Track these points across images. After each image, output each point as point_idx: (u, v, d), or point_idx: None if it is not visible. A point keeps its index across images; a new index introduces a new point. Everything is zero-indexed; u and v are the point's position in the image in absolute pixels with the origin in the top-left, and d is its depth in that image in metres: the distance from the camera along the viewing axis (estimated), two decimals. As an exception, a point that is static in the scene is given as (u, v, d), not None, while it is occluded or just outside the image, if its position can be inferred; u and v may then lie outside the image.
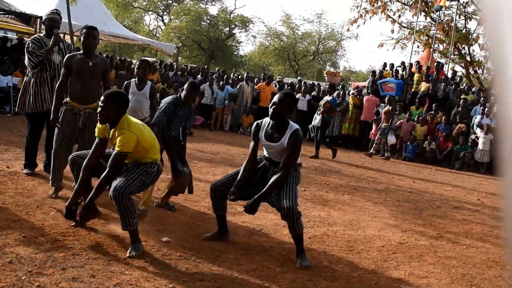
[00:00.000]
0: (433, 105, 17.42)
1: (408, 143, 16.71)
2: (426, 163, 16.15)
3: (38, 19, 16.28)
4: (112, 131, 4.85)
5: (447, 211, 8.64)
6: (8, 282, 3.70)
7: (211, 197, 5.30)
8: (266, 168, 5.23)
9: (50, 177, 6.37)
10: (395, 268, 5.25)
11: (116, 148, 4.74)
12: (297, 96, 18.35)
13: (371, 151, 16.28)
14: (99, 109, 4.80)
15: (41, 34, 7.41)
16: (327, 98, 14.59)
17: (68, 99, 6.28)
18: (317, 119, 14.37)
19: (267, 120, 5.21)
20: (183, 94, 6.20)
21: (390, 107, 16.50)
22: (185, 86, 6.26)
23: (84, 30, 6.31)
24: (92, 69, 6.26)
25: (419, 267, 5.39)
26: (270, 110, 5.05)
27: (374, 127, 17.24)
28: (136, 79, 6.99)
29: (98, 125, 5.00)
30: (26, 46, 7.21)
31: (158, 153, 5.10)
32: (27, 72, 7.39)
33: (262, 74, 20.41)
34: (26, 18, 16.49)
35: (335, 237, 6.13)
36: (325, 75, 16.65)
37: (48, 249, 4.46)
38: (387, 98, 17.39)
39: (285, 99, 5.04)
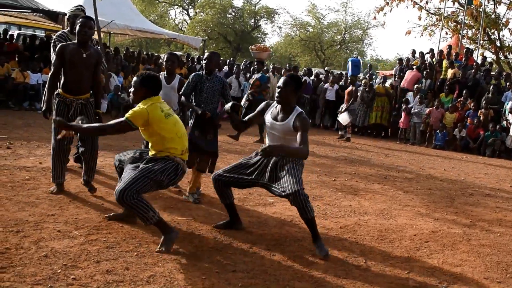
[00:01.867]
0: (463, 92, 17.19)
1: (438, 131, 16.52)
2: (457, 151, 15.96)
3: (65, 16, 16.41)
4: None
5: (480, 199, 8.53)
6: (44, 275, 3.76)
7: (214, 187, 5.32)
8: (265, 162, 5.16)
9: (51, 173, 6.19)
10: (428, 257, 5.21)
11: (126, 115, 4.75)
12: (325, 86, 18.31)
13: (347, 135, 15.98)
14: (131, 89, 4.94)
15: (65, 31, 7.39)
16: (256, 76, 13.44)
17: (60, 90, 6.09)
18: (243, 100, 13.36)
19: (275, 103, 5.19)
20: (203, 63, 6.80)
21: (353, 88, 16.43)
22: (204, 57, 6.86)
23: (79, 19, 6.03)
24: (86, 60, 6.02)
25: (453, 256, 5.33)
26: (276, 94, 5.07)
27: (403, 115, 17.08)
28: (165, 73, 7.03)
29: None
30: (52, 43, 7.26)
31: (182, 152, 4.95)
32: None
33: (287, 65, 20.30)
34: (53, 16, 16.63)
35: (367, 227, 6.09)
36: (250, 50, 15.66)
37: (82, 243, 4.51)
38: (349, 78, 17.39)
39: (290, 82, 5.06)
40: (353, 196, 7.72)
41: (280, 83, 5.07)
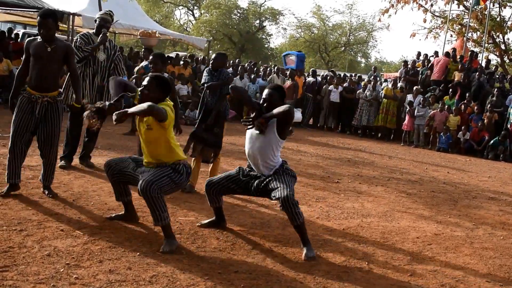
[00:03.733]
0: (467, 94, 17.18)
1: (442, 133, 16.51)
2: (461, 154, 15.94)
3: (71, 16, 16.46)
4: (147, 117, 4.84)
5: (483, 202, 8.52)
6: (47, 274, 3.77)
7: (206, 191, 5.34)
8: (250, 179, 5.18)
9: (6, 173, 5.80)
10: (431, 260, 5.20)
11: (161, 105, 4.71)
12: (329, 88, 18.30)
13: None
14: (142, 87, 4.87)
15: (90, 31, 7.72)
16: (142, 64, 12.52)
17: (27, 86, 5.81)
18: None
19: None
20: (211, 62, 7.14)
21: (293, 82, 15.94)
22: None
23: (37, 18, 5.70)
24: (51, 54, 5.66)
25: (455, 258, 5.33)
26: (263, 106, 5.11)
27: (407, 117, 17.08)
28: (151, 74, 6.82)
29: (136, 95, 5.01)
30: (74, 40, 7.56)
31: (183, 155, 5.01)
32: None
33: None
34: (58, 15, 16.64)
35: (370, 229, 6.09)
36: (139, 36, 14.97)
37: (85, 242, 4.53)
38: (288, 72, 16.94)
39: (275, 93, 5.12)
40: (356, 198, 7.72)
41: (265, 95, 5.15)
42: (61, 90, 5.89)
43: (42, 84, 5.70)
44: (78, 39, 7.45)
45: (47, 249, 4.27)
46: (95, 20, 7.72)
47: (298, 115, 15.25)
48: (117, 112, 4.57)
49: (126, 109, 4.64)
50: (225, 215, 5.52)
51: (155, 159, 4.88)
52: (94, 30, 7.63)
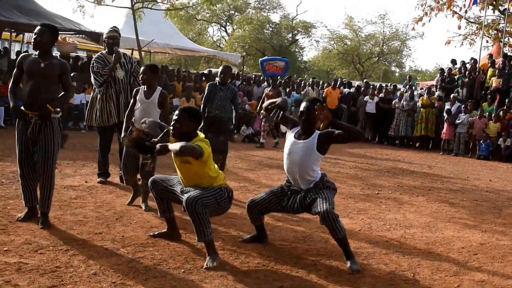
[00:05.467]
0: (506, 100, 16.90)
1: (481, 141, 16.25)
2: (502, 161, 15.65)
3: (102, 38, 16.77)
4: None
5: (528, 209, 8.35)
6: (94, 293, 3.81)
7: (247, 212, 5.35)
8: (291, 195, 5.18)
9: (22, 197, 5.66)
10: (478, 270, 5.11)
11: (196, 143, 4.72)
12: (365, 99, 18.21)
13: (261, 140, 14.80)
14: (173, 122, 4.85)
15: (104, 52, 7.73)
16: None
17: (22, 106, 5.45)
18: None
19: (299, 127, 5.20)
20: (220, 77, 7.95)
21: (276, 90, 14.89)
22: (220, 70, 8.06)
23: (36, 28, 5.48)
24: (44, 70, 5.33)
25: (503, 268, 5.22)
26: (300, 121, 5.13)
27: (446, 125, 16.86)
28: (145, 87, 6.59)
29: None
30: (91, 65, 7.56)
31: (224, 179, 5.03)
32: (94, 88, 7.78)
33: (333, 81, 20.14)
34: (95, 37, 17.00)
35: (413, 240, 6.02)
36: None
37: (130, 260, 4.57)
38: (271, 80, 16.22)
39: (313, 106, 5.04)
40: (397, 209, 7.64)
41: (303, 108, 5.12)
42: (58, 108, 5.43)
43: (35, 102, 5.34)
44: (95, 64, 7.48)
45: (93, 268, 4.32)
46: (104, 40, 7.73)
47: (271, 121, 14.60)
48: (161, 144, 4.72)
49: (167, 144, 4.73)
50: (267, 230, 5.51)
51: (194, 187, 4.90)
52: (106, 50, 7.66)
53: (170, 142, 4.87)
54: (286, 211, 5.27)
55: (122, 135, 6.62)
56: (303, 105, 5.16)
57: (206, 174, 4.86)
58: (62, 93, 5.54)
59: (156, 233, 5.35)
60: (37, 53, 5.44)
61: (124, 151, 6.56)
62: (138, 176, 6.63)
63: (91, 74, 7.58)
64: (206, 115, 7.77)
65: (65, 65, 5.55)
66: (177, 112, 4.89)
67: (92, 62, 7.61)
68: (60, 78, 5.46)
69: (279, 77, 17.81)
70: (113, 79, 7.50)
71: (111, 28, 7.75)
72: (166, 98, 6.67)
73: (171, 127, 4.88)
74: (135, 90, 6.72)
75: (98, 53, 7.95)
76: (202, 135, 4.94)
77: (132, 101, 6.67)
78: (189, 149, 4.60)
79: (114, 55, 7.47)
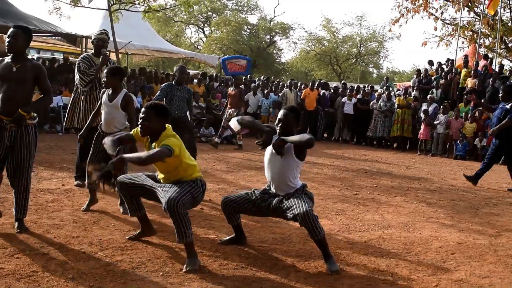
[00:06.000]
0: (482, 100, 17.07)
1: (458, 141, 16.40)
2: (478, 161, 15.79)
3: (84, 39, 16.65)
4: (154, 145, 4.84)
5: (504, 208, 8.44)
6: (71, 297, 3.77)
7: (223, 210, 5.35)
8: (268, 197, 5.16)
9: None
10: (455, 269, 5.15)
11: (163, 143, 4.68)
12: (342, 100, 18.28)
13: (215, 139, 14.56)
14: (140, 120, 4.80)
15: (89, 53, 7.74)
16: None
17: None
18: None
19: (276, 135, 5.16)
20: (176, 77, 8.24)
21: (238, 89, 14.78)
22: (175, 70, 8.26)
23: (9, 31, 5.28)
24: (16, 75, 5.09)
25: (480, 267, 5.27)
26: (278, 128, 5.08)
27: (423, 126, 16.98)
28: (109, 90, 6.46)
29: (135, 131, 5.02)
30: (77, 65, 7.58)
31: (199, 171, 5.01)
32: (76, 89, 7.75)
33: (311, 82, 20.10)
34: (72, 39, 16.89)
35: (391, 240, 6.05)
36: None
37: (108, 264, 4.53)
38: (233, 79, 15.99)
39: (291, 114, 5.07)
40: (376, 209, 7.67)
41: (281, 116, 5.08)
42: (34, 114, 5.28)
43: (9, 108, 5.11)
44: (81, 64, 7.51)
45: (70, 272, 4.28)
46: (92, 42, 7.74)
47: (235, 122, 14.43)
48: (113, 162, 4.61)
49: (122, 156, 4.65)
50: (245, 232, 5.50)
51: (173, 181, 4.88)
52: (92, 51, 7.71)
53: (137, 142, 5.02)
54: (260, 212, 5.24)
55: (81, 133, 6.70)
56: (280, 113, 5.12)
57: (185, 164, 4.84)
58: (41, 99, 5.37)
59: (133, 236, 5.32)
60: (10, 56, 5.21)
61: (90, 152, 6.48)
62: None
63: (76, 74, 7.60)
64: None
65: (38, 67, 5.31)
66: (143, 109, 4.81)
67: (78, 62, 7.66)
68: (37, 82, 5.26)
69: (243, 76, 17.57)
70: (98, 80, 7.51)
71: (101, 30, 7.83)
72: (129, 101, 6.46)
73: (139, 126, 4.83)
74: (102, 92, 6.64)
75: (84, 54, 8.03)
76: (169, 128, 4.90)
77: (99, 103, 6.65)
78: (156, 157, 4.60)
79: (101, 56, 7.52)
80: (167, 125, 4.91)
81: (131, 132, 5.13)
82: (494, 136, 10.46)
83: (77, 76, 7.61)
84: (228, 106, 14.61)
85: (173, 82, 8.35)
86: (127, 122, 6.46)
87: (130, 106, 6.45)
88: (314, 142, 4.92)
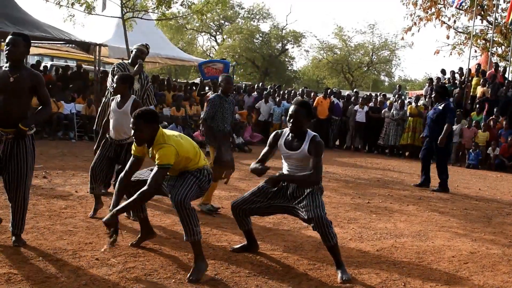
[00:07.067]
0: (495, 109, 17.01)
1: (471, 150, 16.33)
2: (491, 170, 15.74)
3: (97, 47, 16.74)
4: (151, 150, 4.81)
5: (518, 218, 8.39)
6: (84, 304, 3.79)
7: (233, 215, 5.33)
8: (283, 189, 5.13)
9: None
10: (468, 279, 5.12)
11: (156, 162, 4.65)
12: (354, 108, 18.25)
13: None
14: (132, 131, 4.75)
15: (126, 61, 8.01)
16: None
17: None
18: None
19: (287, 130, 5.17)
20: (222, 88, 7.34)
21: (216, 94, 14.53)
22: (221, 80, 7.39)
23: (8, 38, 5.08)
24: (13, 85, 4.89)
25: (493, 277, 5.24)
26: (289, 124, 5.06)
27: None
28: (119, 96, 6.51)
29: (134, 147, 4.99)
30: (111, 69, 7.82)
31: (204, 159, 4.99)
32: (106, 93, 7.96)
33: (324, 90, 20.13)
34: (85, 46, 16.99)
35: (404, 249, 6.02)
36: None
37: (121, 270, 4.54)
38: (211, 83, 15.82)
39: (301, 109, 5.03)
40: (388, 218, 7.65)
41: (291, 111, 5.04)
42: (32, 126, 5.09)
43: (6, 119, 4.93)
44: (116, 68, 7.71)
45: (83, 278, 4.29)
46: (132, 51, 8.06)
47: None
48: (107, 221, 4.62)
49: (115, 211, 4.65)
50: (257, 239, 5.50)
51: (178, 172, 4.88)
52: (129, 61, 7.91)
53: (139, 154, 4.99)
54: (273, 205, 5.16)
55: (95, 146, 6.66)
56: (291, 108, 5.08)
57: (186, 160, 4.81)
58: (39, 108, 5.19)
59: (134, 242, 5.32)
60: (7, 65, 5.01)
61: (96, 156, 6.49)
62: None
63: (110, 77, 7.78)
64: (217, 129, 7.26)
65: (36, 76, 5.10)
66: (132, 120, 4.73)
67: (113, 66, 7.89)
68: (35, 91, 5.08)
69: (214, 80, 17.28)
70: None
71: (142, 43, 8.13)
72: (139, 107, 6.31)
73: (133, 137, 4.79)
74: (110, 99, 6.70)
75: (121, 61, 8.28)
76: (166, 132, 4.82)
77: (108, 110, 6.69)
78: (157, 184, 4.63)
79: (136, 66, 7.73)
80: (161, 130, 4.81)
81: (132, 152, 5.05)
82: (443, 144, 10.52)
83: (109, 80, 7.79)
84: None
85: (220, 93, 7.41)
86: None
87: None
88: (317, 181, 4.91)
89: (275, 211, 5.34)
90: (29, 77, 5.01)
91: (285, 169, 5.20)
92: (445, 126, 10.37)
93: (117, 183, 5.11)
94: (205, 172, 4.91)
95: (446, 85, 19.30)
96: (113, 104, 6.48)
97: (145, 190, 4.60)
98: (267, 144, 5.34)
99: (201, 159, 4.95)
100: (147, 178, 4.92)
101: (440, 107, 10.53)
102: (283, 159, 5.22)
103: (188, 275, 4.49)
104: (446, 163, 11.11)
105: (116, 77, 6.59)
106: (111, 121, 6.48)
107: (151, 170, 5.02)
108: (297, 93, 20.45)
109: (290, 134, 5.13)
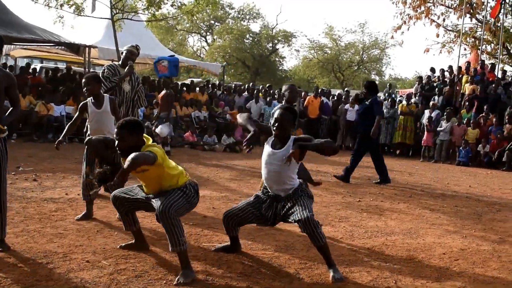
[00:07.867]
0: (484, 107, 17.09)
1: (461, 147, 16.40)
2: (481, 167, 15.81)
3: (87, 48, 16.69)
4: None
5: (508, 215, 8.42)
6: (75, 306, 3.78)
7: (223, 223, 5.28)
8: (270, 205, 5.12)
9: None
10: (459, 275, 5.14)
11: (147, 150, 4.60)
12: (345, 107, 18.30)
13: (166, 149, 13.68)
14: (116, 142, 4.72)
15: (116, 63, 7.97)
16: None
17: None
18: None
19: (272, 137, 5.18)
20: (286, 97, 7.22)
21: (168, 91, 14.64)
22: (285, 89, 7.30)
23: None
24: None
25: (484, 273, 5.26)
26: (273, 129, 5.07)
27: (426, 132, 17.00)
28: (91, 98, 6.49)
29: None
30: (102, 71, 7.78)
31: (186, 176, 4.93)
32: None
33: (315, 89, 20.23)
34: (75, 48, 16.93)
35: (395, 247, 6.04)
36: None
37: (111, 272, 4.53)
38: (162, 80, 15.72)
39: (287, 114, 5.05)
40: (379, 216, 7.67)
41: (277, 115, 5.05)
42: (4, 127, 4.90)
43: None
44: (106, 70, 7.68)
45: (74, 281, 4.28)
46: (122, 53, 8.01)
47: (165, 130, 13.95)
48: (118, 177, 4.44)
49: (123, 169, 4.43)
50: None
51: (160, 192, 4.79)
52: (119, 62, 7.85)
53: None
54: (263, 222, 5.21)
55: (58, 140, 6.69)
56: (276, 112, 5.10)
57: (167, 174, 4.74)
58: (10, 109, 5.08)
59: (123, 244, 5.30)
60: None
61: (85, 163, 6.47)
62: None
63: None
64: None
65: (9, 77, 4.96)
66: (116, 130, 4.73)
67: (103, 68, 7.87)
68: (6, 92, 4.93)
69: (166, 77, 16.91)
70: (119, 89, 7.62)
71: (133, 44, 8.04)
72: (115, 103, 6.68)
73: (117, 148, 4.76)
74: (81, 103, 6.62)
75: (111, 63, 8.30)
76: (150, 140, 4.82)
77: (77, 114, 6.68)
78: (140, 160, 4.43)
79: (127, 67, 7.66)
80: (147, 137, 4.82)
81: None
82: (375, 136, 10.94)
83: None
84: (158, 109, 14.68)
85: (283, 102, 7.33)
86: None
87: (117, 108, 6.67)
88: (337, 149, 4.95)
89: (265, 223, 5.30)
90: (2, 77, 4.86)
91: (264, 177, 5.20)
92: (376, 118, 10.69)
93: (112, 201, 5.09)
94: (189, 187, 4.83)
95: (436, 83, 19.40)
96: (90, 108, 6.46)
97: (131, 162, 4.35)
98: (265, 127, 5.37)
99: (182, 177, 4.86)
100: (137, 196, 4.93)
101: (367, 103, 10.81)
102: (263, 166, 5.18)
103: (177, 278, 4.43)
104: (379, 153, 11.45)
105: (85, 78, 6.55)
106: (92, 124, 6.46)
107: (140, 186, 5.02)
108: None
109: (274, 138, 5.13)
